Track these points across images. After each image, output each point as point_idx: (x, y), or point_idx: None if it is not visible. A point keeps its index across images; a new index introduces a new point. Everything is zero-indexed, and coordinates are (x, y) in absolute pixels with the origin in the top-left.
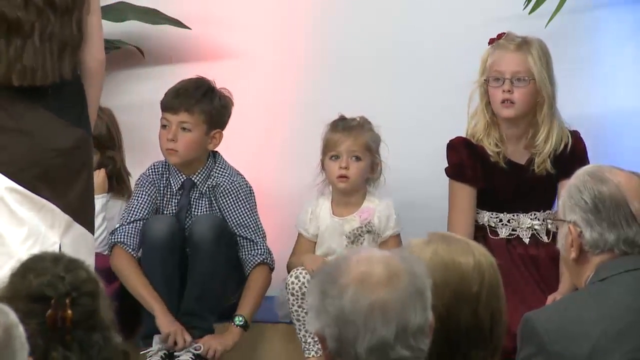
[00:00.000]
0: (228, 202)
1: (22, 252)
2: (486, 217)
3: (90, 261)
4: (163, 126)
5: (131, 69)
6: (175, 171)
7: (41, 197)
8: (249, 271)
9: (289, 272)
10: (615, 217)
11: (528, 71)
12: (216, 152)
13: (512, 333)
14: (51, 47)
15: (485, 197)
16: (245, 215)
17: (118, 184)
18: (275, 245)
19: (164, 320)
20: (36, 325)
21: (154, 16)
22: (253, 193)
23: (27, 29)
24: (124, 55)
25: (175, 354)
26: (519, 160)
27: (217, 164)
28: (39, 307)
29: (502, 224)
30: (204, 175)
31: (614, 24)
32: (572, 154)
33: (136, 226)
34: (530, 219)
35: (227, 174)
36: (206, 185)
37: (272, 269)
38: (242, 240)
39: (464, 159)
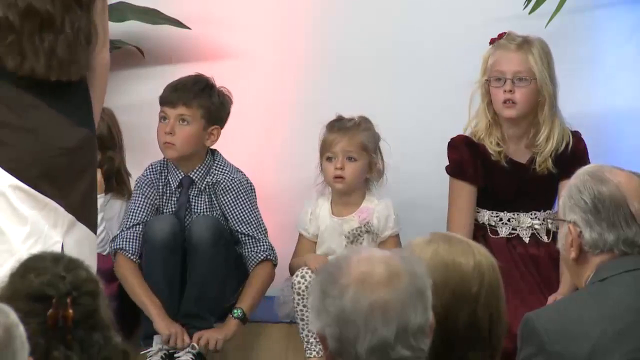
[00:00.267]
0: (228, 199)
1: (24, 250)
2: (486, 216)
3: (92, 261)
4: (161, 120)
5: (131, 69)
6: (174, 169)
7: (44, 195)
8: (252, 267)
9: (291, 273)
10: (614, 217)
11: (529, 71)
12: (215, 150)
13: (513, 334)
14: (80, 41)
15: (486, 196)
16: (246, 211)
17: (118, 184)
18: (275, 245)
19: (162, 324)
20: (37, 324)
21: (154, 16)
22: (254, 189)
23: (59, 24)
24: (124, 55)
25: (175, 355)
26: (520, 160)
27: (216, 162)
28: (39, 307)
29: (502, 223)
30: (202, 172)
31: (614, 24)
32: (573, 154)
33: (135, 230)
34: (531, 218)
35: (226, 171)
36: (205, 182)
37: (275, 265)
38: (244, 237)
39: (464, 157)
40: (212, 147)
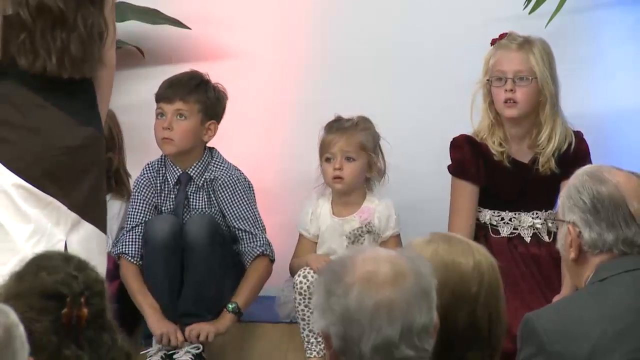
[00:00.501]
0: (226, 195)
1: (27, 248)
2: (488, 215)
3: (102, 261)
4: (158, 116)
5: (131, 69)
6: (172, 166)
7: (47, 194)
8: (248, 263)
9: (291, 273)
10: (614, 217)
11: (530, 70)
12: (213, 147)
13: (513, 335)
14: (94, 38)
15: (487, 196)
16: (243, 208)
17: (117, 184)
18: (275, 245)
19: (155, 323)
20: (49, 322)
21: (154, 16)
22: (252, 187)
23: (71, 21)
24: (124, 55)
25: (174, 356)
26: (523, 159)
27: (214, 158)
28: (52, 305)
29: (504, 223)
30: (200, 168)
31: (614, 24)
32: (576, 154)
33: (135, 232)
34: (532, 218)
35: (224, 168)
36: (203, 179)
37: (272, 261)
38: (241, 233)
39: (466, 156)
40: (211, 145)
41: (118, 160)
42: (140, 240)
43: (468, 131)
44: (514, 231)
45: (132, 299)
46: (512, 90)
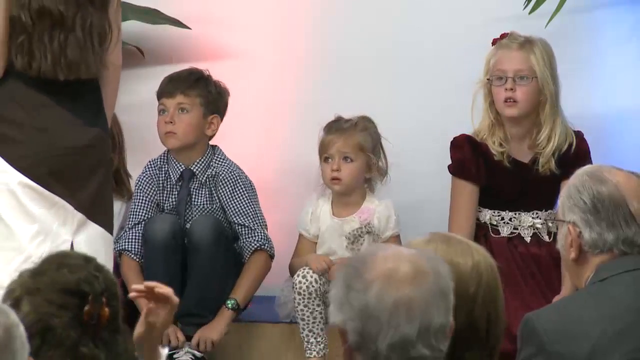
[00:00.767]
0: (227, 190)
1: (32, 248)
2: (488, 215)
3: (108, 261)
4: (160, 112)
5: (131, 69)
6: (174, 162)
7: (53, 194)
8: (246, 258)
9: (291, 273)
10: (614, 217)
11: (530, 69)
12: (215, 145)
13: (513, 335)
14: (92, 40)
15: (488, 195)
16: (243, 203)
17: (117, 184)
18: (275, 246)
19: None
20: (68, 319)
21: (154, 16)
22: (253, 185)
23: (70, 23)
24: (124, 55)
25: (174, 356)
26: (523, 159)
27: (216, 155)
28: (73, 302)
29: (504, 222)
30: (203, 164)
31: (614, 24)
32: (576, 155)
33: (137, 230)
34: (532, 217)
35: (226, 164)
36: (206, 175)
37: (271, 256)
38: (240, 228)
39: (467, 156)
40: (213, 143)
41: (118, 160)
42: (141, 238)
43: (468, 131)
44: (514, 231)
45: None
46: (512, 89)
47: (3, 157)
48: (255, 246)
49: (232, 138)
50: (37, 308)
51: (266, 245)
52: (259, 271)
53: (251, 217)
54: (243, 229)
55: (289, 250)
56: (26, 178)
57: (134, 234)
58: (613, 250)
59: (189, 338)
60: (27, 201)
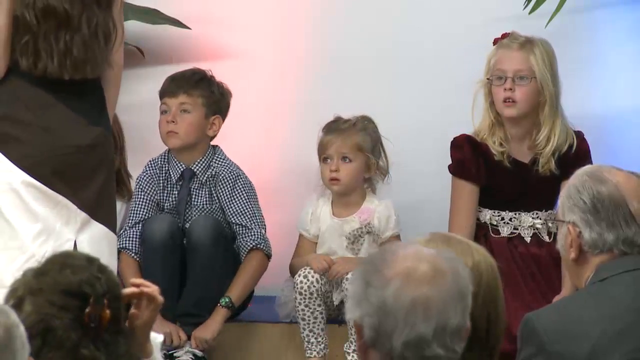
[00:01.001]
0: (226, 191)
1: (35, 247)
2: (488, 215)
3: (113, 262)
4: (162, 113)
5: (131, 69)
6: (175, 161)
7: (57, 193)
8: (243, 257)
9: (291, 273)
10: (614, 217)
11: (530, 70)
12: (216, 145)
13: (513, 336)
14: (98, 40)
15: (488, 195)
16: (242, 203)
17: (118, 185)
18: (275, 246)
19: (156, 324)
20: (69, 320)
21: (154, 16)
22: (253, 186)
23: (75, 23)
24: (124, 55)
25: (175, 355)
26: (523, 160)
27: (216, 155)
28: (75, 303)
29: (504, 223)
30: (203, 164)
31: (614, 24)
32: (576, 155)
33: (138, 228)
34: (532, 218)
35: (226, 164)
36: (206, 175)
37: (268, 256)
38: (238, 228)
39: (467, 156)
40: (213, 143)
41: (119, 160)
42: (140, 237)
43: (468, 131)
44: (514, 231)
45: None
46: (511, 89)
47: (6, 156)
48: (251, 245)
49: (232, 138)
50: (38, 308)
51: (262, 244)
52: (254, 270)
53: (249, 216)
54: (240, 229)
55: (289, 250)
56: (29, 177)
57: (133, 233)
58: (613, 250)
59: (189, 337)
60: (31, 200)
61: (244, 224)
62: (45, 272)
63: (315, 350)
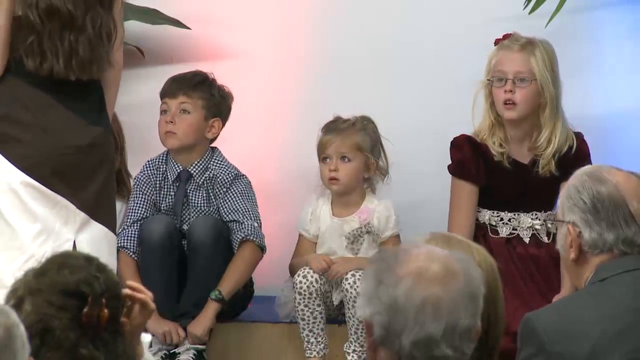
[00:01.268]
0: (223, 191)
1: (34, 247)
2: (487, 215)
3: (112, 261)
4: (162, 113)
5: (131, 69)
6: (173, 162)
7: (56, 193)
8: (235, 250)
9: (291, 273)
10: (614, 217)
11: (530, 72)
12: (215, 147)
13: (512, 333)
14: (102, 40)
15: (487, 196)
16: (236, 200)
17: (118, 184)
18: (275, 246)
19: (155, 322)
20: (68, 320)
21: (154, 16)
22: (250, 185)
23: (80, 23)
24: (124, 55)
25: (175, 355)
26: (523, 160)
27: (214, 158)
28: (73, 303)
29: (503, 223)
30: (201, 166)
31: (614, 24)
32: (576, 156)
33: (136, 228)
34: (531, 218)
35: (224, 166)
36: (203, 177)
37: (261, 248)
38: (231, 225)
39: (467, 156)
40: (213, 145)
41: (119, 160)
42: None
43: (468, 131)
44: (513, 232)
45: None
46: (511, 91)
47: (6, 157)
48: (242, 237)
49: (232, 138)
50: (37, 308)
51: (252, 236)
52: (246, 263)
53: (242, 212)
54: (234, 225)
55: (289, 251)
56: (29, 177)
57: (131, 232)
58: (613, 250)
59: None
60: (30, 200)
61: (237, 219)
62: (44, 272)
63: (315, 350)
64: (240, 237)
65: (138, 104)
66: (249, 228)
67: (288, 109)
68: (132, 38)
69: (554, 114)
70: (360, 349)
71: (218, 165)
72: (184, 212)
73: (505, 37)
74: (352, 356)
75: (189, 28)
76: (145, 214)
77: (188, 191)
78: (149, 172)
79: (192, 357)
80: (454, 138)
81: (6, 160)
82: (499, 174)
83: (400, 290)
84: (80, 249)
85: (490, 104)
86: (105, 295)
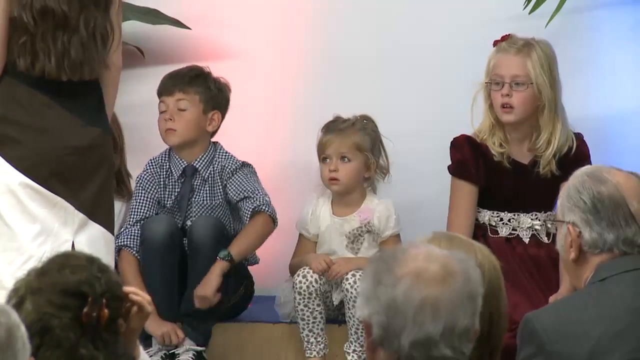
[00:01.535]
0: (230, 176)
1: (33, 248)
2: (487, 215)
3: (110, 260)
4: (161, 111)
5: (131, 69)
6: (176, 158)
7: (55, 194)
8: (246, 222)
9: (291, 273)
10: (614, 217)
11: (527, 75)
12: (217, 142)
13: (513, 324)
14: (95, 41)
15: (487, 196)
16: (245, 182)
17: (118, 184)
18: (275, 246)
19: (154, 323)
20: (68, 320)
21: (154, 16)
22: (255, 172)
23: (73, 23)
24: (124, 55)
25: (175, 355)
26: (523, 161)
27: (218, 151)
28: (73, 303)
29: (503, 223)
30: (205, 161)
31: (614, 24)
32: (576, 157)
33: (139, 227)
34: (531, 219)
35: (230, 157)
36: (208, 171)
37: (273, 219)
38: (240, 203)
39: (466, 157)
40: (214, 140)
41: (119, 160)
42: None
43: (468, 131)
44: (513, 232)
45: None
46: (508, 95)
47: (4, 158)
48: (253, 207)
49: (232, 138)
50: (38, 307)
51: (265, 207)
52: (258, 231)
53: (250, 189)
54: (242, 202)
55: (289, 250)
56: (27, 178)
57: (135, 231)
58: (613, 250)
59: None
60: (29, 202)
61: (246, 195)
62: (45, 271)
63: (315, 350)
64: (252, 208)
65: (138, 104)
66: (262, 201)
67: (288, 109)
68: (132, 38)
69: (552, 116)
70: (360, 349)
71: (224, 156)
72: (188, 207)
73: (504, 38)
74: (352, 356)
75: (189, 28)
76: (148, 212)
77: (194, 186)
78: (152, 170)
79: (192, 358)
80: (454, 138)
81: (5, 162)
82: (499, 174)
83: (399, 291)
84: (79, 250)
85: (489, 105)
86: (105, 296)
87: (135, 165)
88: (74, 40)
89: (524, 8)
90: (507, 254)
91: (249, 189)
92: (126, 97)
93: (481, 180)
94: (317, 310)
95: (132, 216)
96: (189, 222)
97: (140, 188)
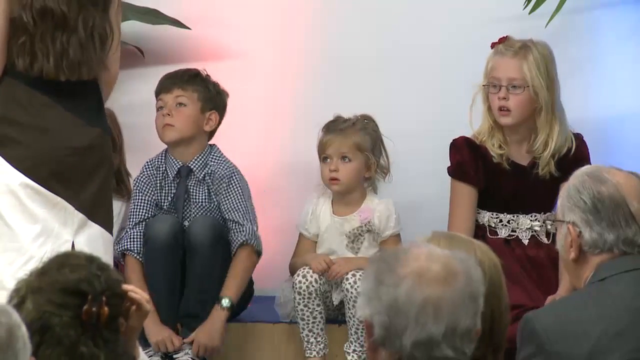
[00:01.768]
0: (222, 187)
1: (34, 249)
2: (486, 217)
3: (108, 260)
4: (159, 109)
5: (131, 69)
6: (172, 159)
7: (55, 194)
8: (233, 252)
9: (291, 273)
10: (614, 216)
11: (523, 78)
12: (213, 144)
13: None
14: (94, 41)
15: (486, 197)
16: (235, 199)
17: (117, 184)
18: (275, 246)
19: (152, 329)
20: (68, 318)
21: (154, 16)
22: (247, 183)
23: (72, 24)
24: (124, 55)
25: (174, 356)
26: (522, 162)
27: (213, 154)
28: (73, 301)
29: (502, 225)
30: (201, 162)
31: (614, 24)
32: (575, 157)
33: (139, 229)
34: (530, 220)
35: (222, 162)
36: (204, 172)
37: (257, 252)
38: (230, 224)
39: (466, 158)
40: (213, 142)
41: (119, 160)
42: (142, 237)
43: (468, 131)
44: (512, 233)
45: None
46: (505, 98)
47: (4, 158)
48: (241, 240)
49: (232, 138)
50: (38, 307)
51: (251, 240)
52: (245, 268)
53: (241, 213)
54: (233, 225)
55: (289, 250)
56: (27, 179)
57: (135, 233)
58: (613, 250)
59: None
60: (29, 202)
61: (236, 219)
62: (45, 271)
63: (314, 350)
64: (240, 240)
65: (138, 104)
66: (249, 232)
67: (288, 108)
68: (132, 38)
69: (549, 117)
70: (360, 349)
71: (216, 161)
72: (185, 208)
73: (501, 40)
74: (352, 356)
75: (189, 28)
76: (147, 214)
77: (189, 187)
78: (149, 172)
79: (192, 358)
80: (453, 140)
81: (5, 162)
82: (498, 176)
83: (400, 291)
84: (79, 250)
85: (488, 107)
86: (105, 294)
87: (135, 165)
88: (73, 40)
89: (524, 8)
90: (506, 255)
91: (240, 210)
92: (126, 97)
93: (480, 182)
94: (317, 310)
95: (131, 219)
96: (186, 223)
97: (138, 190)
